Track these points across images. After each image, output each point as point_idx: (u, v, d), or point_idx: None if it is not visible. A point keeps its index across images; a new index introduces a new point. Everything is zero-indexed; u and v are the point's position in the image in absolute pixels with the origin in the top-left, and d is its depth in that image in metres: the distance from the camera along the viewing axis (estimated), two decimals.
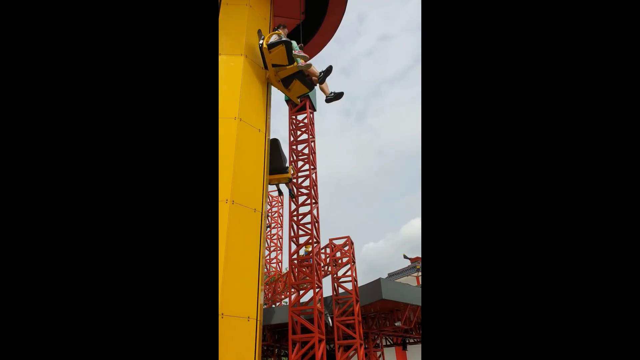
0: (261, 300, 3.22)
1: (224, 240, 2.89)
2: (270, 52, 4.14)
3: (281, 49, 4.09)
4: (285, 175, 5.05)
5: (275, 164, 5.01)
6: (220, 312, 2.71)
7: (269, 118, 4.51)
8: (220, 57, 4.12)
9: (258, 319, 2.88)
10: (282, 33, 4.43)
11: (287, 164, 5.17)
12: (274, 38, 4.20)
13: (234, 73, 3.94)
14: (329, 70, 4.21)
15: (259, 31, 4.31)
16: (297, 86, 4.50)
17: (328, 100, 4.24)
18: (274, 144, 5.14)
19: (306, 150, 9.39)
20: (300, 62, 4.22)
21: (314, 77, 4.39)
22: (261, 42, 4.20)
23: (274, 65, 4.29)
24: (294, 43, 4.25)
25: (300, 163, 9.35)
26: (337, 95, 4.21)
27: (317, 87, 5.10)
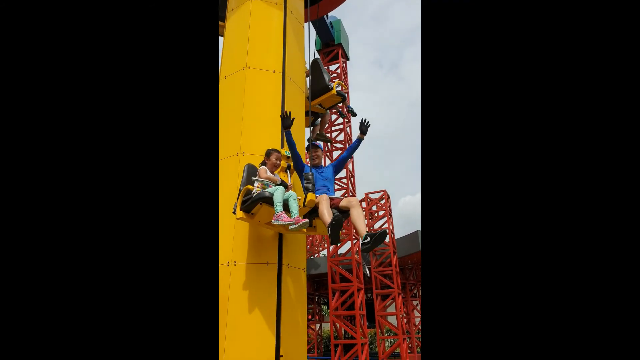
0: (300, 250, 3.24)
1: (231, 192, 2.91)
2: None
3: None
4: (330, 93, 4.09)
5: (317, 85, 4.18)
6: (233, 260, 2.78)
7: (300, 57, 4.04)
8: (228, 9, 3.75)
9: (285, 264, 2.90)
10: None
11: (330, 82, 4.14)
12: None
13: (241, 22, 3.67)
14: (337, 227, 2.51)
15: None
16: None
17: (364, 249, 2.42)
18: (315, 66, 4.34)
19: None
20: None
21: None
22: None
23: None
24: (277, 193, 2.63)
25: (333, 117, 9.11)
26: (377, 239, 2.37)
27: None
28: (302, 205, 2.70)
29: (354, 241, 8.36)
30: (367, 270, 9.86)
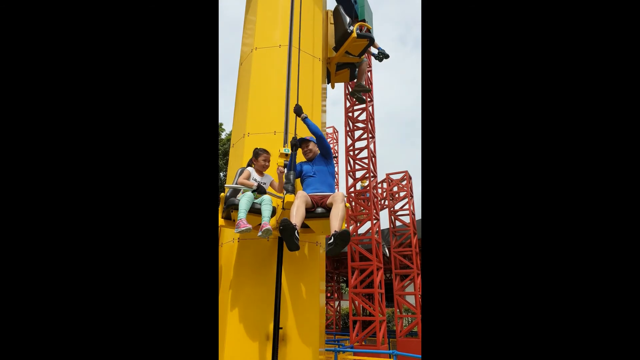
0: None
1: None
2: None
3: None
4: (352, 37, 3.87)
5: (339, 32, 4.08)
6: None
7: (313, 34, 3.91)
8: None
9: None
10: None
11: (350, 25, 3.94)
12: None
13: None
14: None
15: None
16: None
17: (328, 251, 2.42)
18: (336, 14, 4.16)
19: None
20: None
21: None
22: None
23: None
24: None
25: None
26: (339, 239, 2.31)
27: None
28: (282, 208, 2.57)
29: (374, 221, 8.38)
30: (387, 250, 9.90)
